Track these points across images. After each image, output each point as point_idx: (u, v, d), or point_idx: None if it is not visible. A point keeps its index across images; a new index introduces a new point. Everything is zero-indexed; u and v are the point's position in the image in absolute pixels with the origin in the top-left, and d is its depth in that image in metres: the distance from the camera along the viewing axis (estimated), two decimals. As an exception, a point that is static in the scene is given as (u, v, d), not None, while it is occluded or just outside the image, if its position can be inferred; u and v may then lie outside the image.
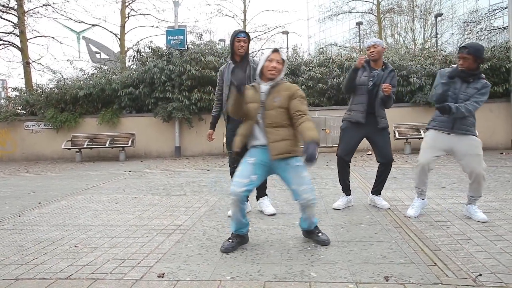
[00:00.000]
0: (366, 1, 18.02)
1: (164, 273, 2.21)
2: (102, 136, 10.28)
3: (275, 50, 2.66)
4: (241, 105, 2.54)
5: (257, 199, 3.71)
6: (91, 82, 10.56)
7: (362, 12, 19.09)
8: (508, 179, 5.01)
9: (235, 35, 3.44)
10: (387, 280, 2.01)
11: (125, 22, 13.22)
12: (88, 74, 11.10)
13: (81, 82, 10.68)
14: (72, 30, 20.30)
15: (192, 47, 10.59)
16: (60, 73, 11.34)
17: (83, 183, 6.01)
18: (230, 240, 2.62)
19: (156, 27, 16.46)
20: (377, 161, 3.62)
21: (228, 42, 12.39)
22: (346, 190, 3.70)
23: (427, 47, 14.72)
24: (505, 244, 2.49)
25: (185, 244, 2.75)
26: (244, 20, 16.27)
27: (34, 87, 11.54)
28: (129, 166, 8.39)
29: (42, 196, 4.99)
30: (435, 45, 19.00)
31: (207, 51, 10.31)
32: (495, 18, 15.38)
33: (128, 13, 13.31)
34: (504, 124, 9.55)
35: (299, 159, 2.54)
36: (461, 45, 3.10)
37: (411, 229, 2.90)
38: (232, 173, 3.52)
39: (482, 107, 3.16)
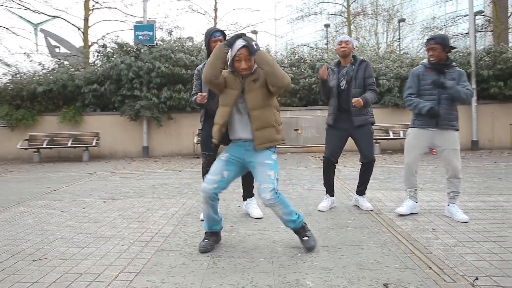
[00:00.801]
0: (336, 3, 18.36)
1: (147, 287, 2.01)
2: (63, 135, 9.64)
3: (243, 46, 2.38)
4: (222, 62, 2.39)
5: (244, 199, 3.58)
6: (51, 77, 9.87)
7: (332, 14, 19.43)
8: (477, 179, 5.19)
9: (210, 35, 3.24)
10: (386, 287, 1.93)
11: (89, 15, 12.51)
12: (48, 69, 10.36)
13: (40, 77, 9.95)
14: (28, 21, 19.06)
15: (162, 43, 10.21)
16: (16, 67, 10.49)
17: (44, 186, 5.54)
18: (206, 240, 2.58)
19: (123, 21, 15.81)
20: (360, 161, 3.60)
21: (197, 40, 12.10)
22: (330, 191, 3.66)
23: (390, 50, 15.24)
24: (491, 245, 2.51)
25: (166, 253, 2.54)
26: (215, 18, 16.01)
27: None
28: (94, 167, 7.91)
29: (-3, 201, 4.52)
30: (398, 49, 19.74)
31: (177, 48, 9.97)
32: (456, 25, 16.23)
33: (93, 6, 12.60)
34: (464, 126, 10.00)
35: (273, 152, 2.51)
36: (428, 38, 3.18)
37: (398, 232, 2.87)
38: (204, 174, 3.34)
39: None
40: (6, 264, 2.41)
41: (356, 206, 3.68)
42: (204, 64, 3.38)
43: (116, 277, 2.16)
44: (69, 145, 9.36)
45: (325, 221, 3.23)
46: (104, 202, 4.31)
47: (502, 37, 13.56)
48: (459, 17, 16.17)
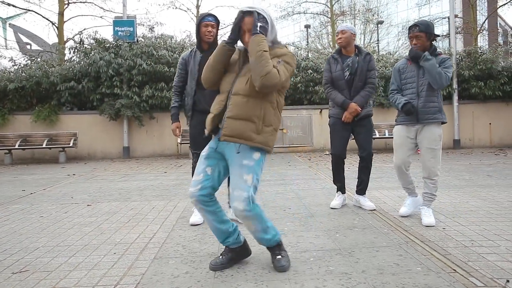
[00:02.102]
0: (319, 3, 18.41)
1: (150, 302, 1.77)
2: (37, 135, 9.08)
3: (245, 12, 1.99)
4: (224, 66, 2.06)
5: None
6: (23, 74, 9.30)
7: (316, 14, 19.49)
8: (468, 177, 5.20)
9: (201, 19, 2.98)
10: (415, 294, 1.79)
11: (64, 9, 11.89)
12: (20, 65, 9.76)
13: (11, 74, 9.35)
14: (-5, 15, 18.04)
15: (143, 40, 9.83)
16: (-16, 63, 9.82)
17: (18, 190, 5.13)
18: (221, 256, 2.18)
19: (101, 17, 15.16)
20: (358, 155, 3.48)
21: (179, 38, 11.76)
22: (342, 188, 3.54)
23: (373, 51, 15.41)
24: (508, 245, 2.42)
25: (165, 261, 2.30)
26: (197, 15, 15.67)
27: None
28: (72, 169, 7.47)
29: (-34, 206, 4.11)
30: (377, 50, 20.03)
31: (159, 45, 9.63)
32: (435, 27, 16.62)
33: (68, 0, 12.01)
34: (446, 125, 10.19)
35: (254, 154, 2.01)
36: (411, 25, 2.98)
37: (409, 232, 2.75)
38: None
39: None
40: (-19, 279, 2.10)
41: (358, 206, 3.54)
42: (191, 51, 3.15)
43: (112, 291, 1.92)
44: (44, 145, 8.83)
45: (329, 222, 3.07)
46: (88, 205, 3.99)
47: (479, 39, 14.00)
48: (438, 19, 16.58)
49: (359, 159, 3.48)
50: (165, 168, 7.26)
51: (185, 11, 16.16)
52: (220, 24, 3.16)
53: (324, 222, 3.09)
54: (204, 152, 2.14)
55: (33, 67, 9.45)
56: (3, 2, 11.74)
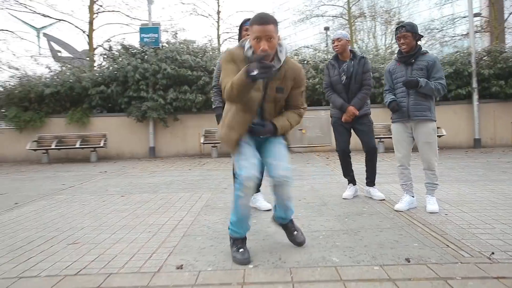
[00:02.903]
0: (337, 6, 18.60)
1: (182, 265, 2.12)
2: (71, 136, 9.76)
3: (260, 22, 1.99)
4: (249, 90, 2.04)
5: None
6: (58, 79, 10.01)
7: (333, 16, 19.67)
8: (482, 173, 5.33)
9: (243, 23, 3.29)
10: (409, 262, 2.06)
11: (94, 18, 12.67)
12: (55, 72, 10.50)
13: (47, 79, 10.08)
14: (31, 26, 19.20)
15: (167, 45, 10.37)
16: (24, 70, 10.62)
17: (59, 184, 5.66)
18: (242, 249, 2.21)
19: (127, 25, 16.02)
20: (363, 150, 3.74)
21: (200, 43, 12.25)
22: (352, 181, 3.81)
23: (391, 51, 15.43)
24: (503, 227, 2.63)
25: (193, 238, 2.67)
26: (218, 20, 16.27)
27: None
28: (103, 167, 8.02)
29: (16, 197, 4.63)
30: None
31: (182, 50, 10.13)
32: (455, 26, 16.46)
33: (97, 9, 12.78)
34: (466, 125, 10.18)
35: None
36: (397, 26, 3.21)
37: (412, 217, 3.00)
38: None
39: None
40: (43, 247, 2.53)
41: (369, 197, 3.79)
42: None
43: (150, 257, 2.29)
44: (77, 146, 9.48)
45: (341, 210, 3.36)
46: (122, 196, 4.42)
47: (500, 37, 13.79)
48: (458, 19, 16.42)
49: (365, 154, 3.76)
50: (189, 166, 7.69)
51: (206, 17, 16.80)
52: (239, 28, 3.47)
53: (335, 209, 3.38)
54: (251, 143, 2.22)
55: (67, 73, 10.15)
56: (39, 14, 12.61)
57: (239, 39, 3.33)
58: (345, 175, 3.88)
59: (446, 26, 16.99)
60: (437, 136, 3.16)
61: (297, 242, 2.37)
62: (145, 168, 7.60)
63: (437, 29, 16.91)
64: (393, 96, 3.25)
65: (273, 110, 2.22)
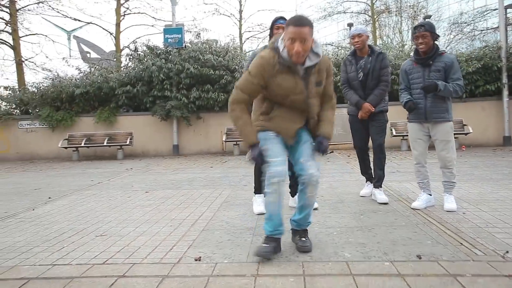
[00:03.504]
0: (360, 1, 18.32)
1: (200, 257, 2.25)
2: (99, 135, 10.19)
3: (296, 24, 2.03)
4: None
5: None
6: (87, 80, 10.46)
7: (356, 13, 19.38)
8: (508, 171, 5.18)
9: (274, 21, 3.17)
10: (420, 258, 2.09)
11: (121, 20, 13.13)
12: (84, 73, 10.98)
13: (77, 80, 10.56)
14: (62, 29, 20.09)
15: (190, 45, 10.60)
16: (56, 72, 11.18)
17: (88, 180, 5.96)
18: (267, 244, 2.19)
19: (152, 26, 16.44)
20: (372, 148, 3.67)
21: (223, 42, 12.43)
22: (370, 178, 3.79)
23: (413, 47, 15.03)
24: (522, 226, 2.60)
25: (211, 232, 2.79)
26: (240, 19, 16.42)
27: (29, 86, 11.35)
28: (129, 164, 8.35)
29: (49, 191, 4.94)
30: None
31: (205, 49, 10.34)
32: (485, 19, 15.84)
33: (124, 12, 13.23)
34: (495, 122, 9.83)
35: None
36: (414, 26, 3.18)
37: (428, 215, 3.00)
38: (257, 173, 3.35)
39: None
40: (74, 239, 2.73)
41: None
42: (253, 53, 3.55)
43: (171, 249, 2.43)
44: (105, 144, 9.88)
45: (357, 207, 3.39)
46: (146, 192, 4.63)
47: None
48: (488, 11, 15.77)
49: (372, 153, 3.65)
50: (211, 163, 7.87)
51: (229, 16, 16.96)
52: (261, 27, 3.57)
53: (352, 206, 3.42)
54: (272, 136, 2.22)
55: (96, 74, 10.59)
56: (70, 18, 13.20)
57: (270, 37, 3.27)
58: (362, 172, 3.88)
59: (476, 20, 16.34)
60: (464, 134, 3.15)
61: (303, 248, 2.26)
62: (168, 165, 7.84)
63: (465, 23, 16.32)
64: (409, 96, 3.25)
65: (317, 104, 2.28)
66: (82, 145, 9.89)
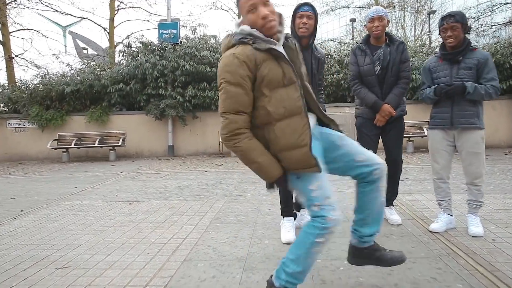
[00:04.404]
0: (363, -4, 17.83)
1: (174, 306, 1.81)
2: (90, 135, 9.74)
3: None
4: None
5: (298, 210, 3.00)
6: (78, 77, 9.99)
7: (360, 7, 18.84)
8: (529, 180, 4.72)
9: (297, 9, 2.62)
10: (452, 314, 1.65)
11: (114, 15, 12.63)
12: (75, 70, 10.51)
13: (68, 78, 10.09)
14: (58, 24, 19.58)
15: (186, 41, 10.12)
16: (45, 68, 10.70)
17: (71, 187, 5.52)
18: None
19: (147, 21, 15.95)
20: (385, 160, 2.99)
21: (220, 37, 11.92)
22: None
23: (423, 43, 14.55)
24: None
25: (194, 264, 2.34)
26: (239, 14, 15.80)
27: (18, 83, 10.89)
28: (121, 167, 7.91)
29: (25, 202, 4.50)
30: (429, 42, 18.87)
31: (201, 45, 9.85)
32: (494, 14, 15.29)
33: (118, 6, 12.72)
34: (507, 122, 9.35)
35: None
36: (442, 16, 2.66)
37: (452, 242, 2.55)
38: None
39: (485, 104, 2.76)
40: (29, 272, 2.28)
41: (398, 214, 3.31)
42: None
43: (141, 291, 1.98)
44: (96, 144, 9.44)
45: (365, 228, 2.94)
46: (130, 204, 4.18)
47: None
48: (498, 6, 15.21)
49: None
50: (206, 167, 7.42)
51: (227, 11, 16.45)
52: None
53: (359, 228, 2.96)
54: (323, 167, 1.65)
55: (87, 71, 10.12)
56: (61, 12, 12.70)
57: (292, 29, 2.71)
58: None
59: (484, 14, 15.77)
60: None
61: (399, 258, 1.82)
62: (161, 168, 7.39)
63: (473, 17, 15.75)
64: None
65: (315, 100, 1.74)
66: (72, 146, 9.44)
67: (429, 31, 22.12)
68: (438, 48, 2.82)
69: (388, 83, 2.91)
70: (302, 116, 1.60)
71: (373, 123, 2.98)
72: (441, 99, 2.73)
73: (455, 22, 2.56)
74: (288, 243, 2.62)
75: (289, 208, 2.86)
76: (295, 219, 2.93)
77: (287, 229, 2.76)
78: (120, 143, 9.46)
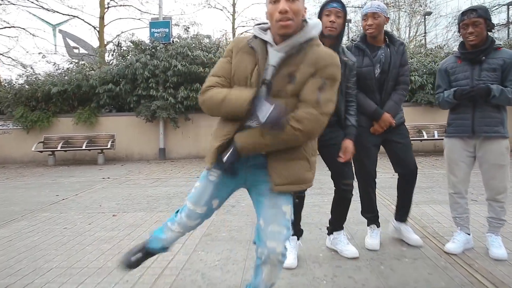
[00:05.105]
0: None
1: None
2: (78, 137, 9.33)
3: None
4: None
5: (330, 233, 2.67)
6: (65, 77, 9.59)
7: (357, 7, 18.60)
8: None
9: (325, 5, 2.30)
10: None
11: (105, 13, 12.23)
12: (62, 69, 10.10)
13: (55, 77, 9.68)
14: (47, 22, 19.09)
15: (178, 40, 9.77)
16: (31, 67, 10.27)
17: (53, 194, 5.15)
18: (140, 253, 1.89)
19: (139, 19, 15.56)
20: (395, 172, 2.68)
21: (215, 37, 11.61)
22: (375, 220, 2.73)
23: (420, 45, 14.36)
24: None
25: (179, 296, 2.02)
26: (234, 13, 15.56)
27: (2, 83, 10.45)
28: (109, 171, 7.53)
29: (-1, 213, 4.13)
30: (424, 44, 18.74)
31: (194, 45, 9.51)
32: (493, 15, 15.12)
33: (108, 3, 12.33)
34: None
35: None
36: (462, 11, 2.38)
37: (473, 267, 2.25)
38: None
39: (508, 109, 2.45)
40: (-19, 310, 1.94)
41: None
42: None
43: (113, 336, 1.65)
44: (83, 147, 9.04)
45: (372, 250, 2.63)
46: (113, 216, 3.84)
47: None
48: (496, 7, 15.07)
49: (398, 176, 2.70)
50: (198, 172, 7.08)
51: (221, 9, 16.16)
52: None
53: (366, 249, 2.66)
54: (213, 176, 1.61)
55: (74, 71, 9.72)
56: (47, 10, 12.26)
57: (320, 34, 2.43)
58: (364, 212, 2.75)
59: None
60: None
61: None
62: (151, 173, 7.04)
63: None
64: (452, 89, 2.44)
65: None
66: (59, 149, 9.03)
67: (425, 33, 22.04)
68: (457, 47, 2.52)
69: (387, 88, 2.58)
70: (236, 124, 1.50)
71: (371, 131, 2.61)
72: (460, 104, 2.44)
73: (478, 17, 2.27)
74: (288, 268, 2.30)
75: (295, 224, 2.53)
76: (298, 238, 2.61)
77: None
78: (109, 146, 9.07)
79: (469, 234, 2.54)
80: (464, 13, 2.35)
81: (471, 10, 2.32)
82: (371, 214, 2.73)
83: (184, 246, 2.83)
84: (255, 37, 1.52)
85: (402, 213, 2.72)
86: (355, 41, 2.63)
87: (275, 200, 1.51)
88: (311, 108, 1.40)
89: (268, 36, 1.49)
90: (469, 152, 2.48)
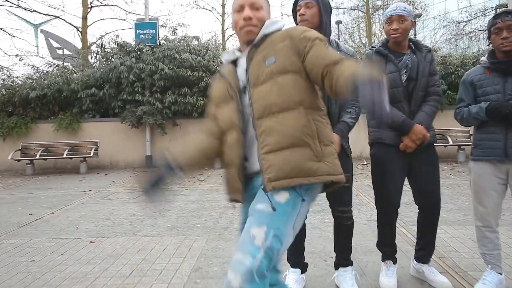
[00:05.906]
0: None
1: None
2: (59, 144, 8.81)
3: None
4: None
5: (336, 268, 2.35)
6: (45, 81, 9.06)
7: (350, 9, 18.40)
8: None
9: (296, 1, 2.10)
10: None
11: (88, 13, 11.68)
12: (42, 72, 9.55)
13: (34, 81, 9.14)
14: (29, 22, 18.36)
15: (165, 42, 9.34)
16: (8, 70, 9.69)
17: (26, 213, 4.68)
18: None
19: (124, 20, 15.00)
20: (416, 203, 2.31)
21: (204, 39, 11.20)
22: (393, 256, 2.35)
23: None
24: None
25: None
26: (223, 14, 15.11)
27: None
28: (91, 182, 7.05)
29: (-40, 239, 3.65)
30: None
31: (182, 47, 9.10)
32: (486, 16, 15.09)
33: (91, 3, 11.77)
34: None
35: (279, 194, 1.27)
36: (495, 14, 2.05)
37: (512, 318, 1.91)
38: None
39: None
40: None
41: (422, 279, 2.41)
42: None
43: None
44: (64, 156, 8.51)
45: (389, 289, 2.28)
46: (91, 242, 3.41)
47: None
48: (489, 9, 15.03)
49: (418, 209, 2.34)
50: (187, 182, 6.66)
51: (210, 10, 15.71)
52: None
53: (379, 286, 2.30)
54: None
55: (54, 74, 9.20)
56: (24, 8, 11.64)
57: (295, 22, 2.15)
58: (383, 245, 2.36)
59: (477, 16, 15.51)
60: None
61: None
62: (136, 184, 6.58)
63: (464, 21, 15.54)
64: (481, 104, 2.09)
65: (272, 93, 1.32)
66: (38, 157, 8.48)
67: (415, 35, 22.03)
68: (485, 56, 2.18)
69: (416, 98, 2.20)
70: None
71: (399, 150, 2.21)
72: (489, 122, 2.10)
73: None
74: None
75: (297, 256, 2.29)
76: (303, 271, 2.31)
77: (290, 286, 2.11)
78: (92, 154, 8.57)
79: (501, 274, 2.20)
80: (497, 16, 2.01)
81: (506, 12, 1.98)
82: (388, 248, 2.35)
83: (170, 285, 2.43)
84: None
85: (424, 253, 2.35)
86: (374, 47, 2.28)
87: (249, 221, 1.26)
88: (338, 64, 1.24)
89: (234, 53, 1.50)
90: (501, 178, 2.13)
